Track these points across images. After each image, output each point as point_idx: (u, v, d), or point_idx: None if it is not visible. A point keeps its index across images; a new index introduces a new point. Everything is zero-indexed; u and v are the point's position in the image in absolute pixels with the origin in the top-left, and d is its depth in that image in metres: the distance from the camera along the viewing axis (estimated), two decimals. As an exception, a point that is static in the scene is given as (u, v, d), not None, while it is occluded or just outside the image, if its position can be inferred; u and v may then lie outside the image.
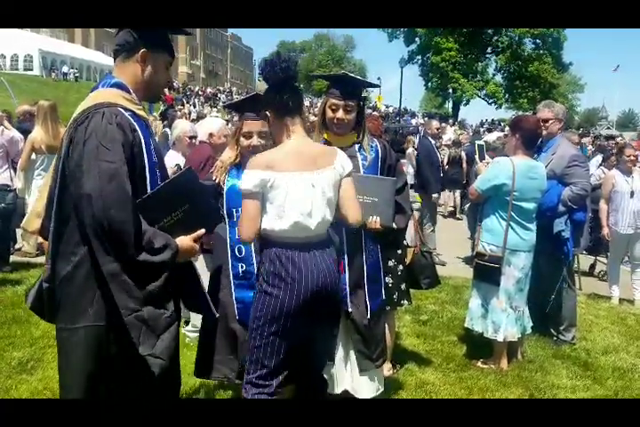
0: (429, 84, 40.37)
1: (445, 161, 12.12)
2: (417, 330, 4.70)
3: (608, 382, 3.83)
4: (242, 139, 2.73)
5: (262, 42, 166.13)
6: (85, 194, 1.88)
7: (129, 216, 1.89)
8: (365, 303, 2.87)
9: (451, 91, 39.09)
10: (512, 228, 3.80)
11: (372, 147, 2.97)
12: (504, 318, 3.84)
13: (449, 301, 5.60)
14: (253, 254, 2.65)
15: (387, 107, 38.51)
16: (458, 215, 12.15)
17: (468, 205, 7.39)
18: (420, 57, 40.71)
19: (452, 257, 7.65)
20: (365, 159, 2.92)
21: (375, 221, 2.78)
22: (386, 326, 3.58)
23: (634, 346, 4.62)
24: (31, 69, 37.29)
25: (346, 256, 2.83)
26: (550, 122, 4.42)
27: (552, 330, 4.50)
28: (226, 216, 2.70)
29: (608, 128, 37.81)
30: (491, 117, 38.81)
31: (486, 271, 3.82)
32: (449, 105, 44.20)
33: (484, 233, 3.90)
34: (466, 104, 40.84)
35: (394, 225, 2.88)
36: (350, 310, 2.83)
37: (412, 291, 3.79)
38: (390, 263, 3.50)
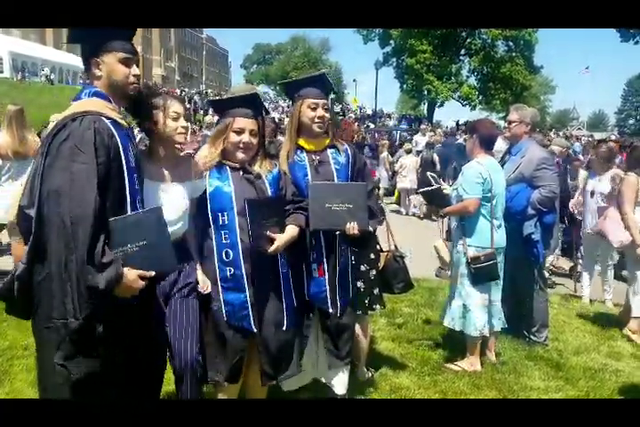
0: (404, 85, 40.58)
1: (419, 164, 12.23)
2: (392, 333, 4.71)
3: (580, 382, 3.88)
4: (232, 134, 2.69)
5: (238, 44, 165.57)
6: (53, 191, 1.96)
7: (90, 217, 1.94)
8: (336, 303, 2.96)
9: (425, 92, 39.32)
10: (494, 226, 3.90)
11: (344, 151, 3.01)
12: (487, 313, 3.94)
13: (424, 303, 5.62)
14: (241, 258, 2.64)
15: (361, 109, 38.64)
16: (433, 217, 12.23)
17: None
18: (394, 59, 40.94)
19: (424, 259, 7.66)
20: (338, 163, 2.95)
21: (353, 227, 2.81)
22: (359, 330, 3.62)
23: (605, 346, 4.69)
24: (1, 72, 36.59)
25: (325, 260, 2.93)
26: (514, 124, 4.49)
27: (525, 331, 4.55)
28: (211, 221, 2.68)
29: (579, 129, 38.55)
30: (465, 119, 39.22)
31: (486, 271, 3.86)
32: (424, 106, 44.51)
33: (468, 239, 3.93)
34: (440, 106, 41.19)
35: (370, 228, 2.94)
36: (331, 310, 2.95)
37: (387, 294, 3.80)
38: (363, 268, 3.52)
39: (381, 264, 3.68)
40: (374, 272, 3.59)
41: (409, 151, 13.04)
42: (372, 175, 4.80)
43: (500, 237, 3.96)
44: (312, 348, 3.13)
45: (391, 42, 40.02)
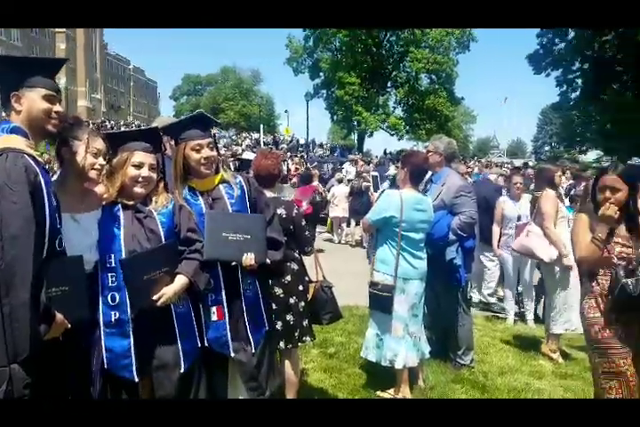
0: (335, 116, 41.62)
1: (349, 193, 12.46)
2: (324, 364, 4.68)
3: (505, 403, 3.98)
4: (130, 169, 2.60)
5: (166, 75, 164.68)
6: None
7: (29, 257, 1.94)
8: (248, 339, 2.84)
9: (355, 123, 40.45)
10: (403, 257, 3.95)
11: (237, 183, 2.95)
12: (402, 344, 3.93)
13: (356, 331, 5.63)
14: (128, 302, 2.52)
15: (291, 140, 39.07)
16: (364, 244, 12.41)
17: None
18: (324, 91, 42.01)
19: (358, 287, 7.74)
20: (232, 197, 2.91)
21: (251, 258, 2.76)
22: (289, 365, 3.58)
23: (527, 365, 4.85)
24: None
25: (225, 302, 2.80)
26: (430, 154, 4.69)
27: (451, 354, 4.65)
28: (99, 262, 2.55)
29: (500, 156, 40.56)
30: (394, 148, 40.48)
31: (379, 300, 3.91)
32: (354, 136, 45.69)
33: (377, 263, 4.02)
34: (370, 136, 42.43)
35: (268, 261, 2.88)
36: (233, 355, 2.80)
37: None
38: (292, 301, 3.50)
39: (310, 295, 3.69)
40: (303, 304, 3.58)
41: (340, 180, 13.28)
42: (299, 205, 4.83)
43: (414, 269, 3.98)
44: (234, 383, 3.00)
45: (321, 74, 41.10)
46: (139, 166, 2.62)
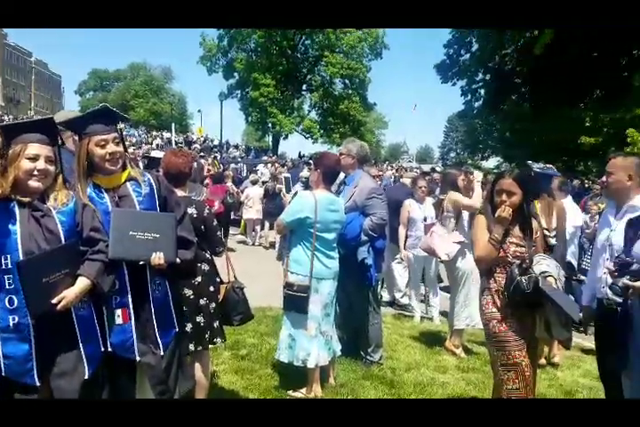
0: (249, 118, 41.37)
1: (263, 194, 12.44)
2: (235, 366, 4.63)
3: (411, 397, 4.12)
4: (25, 162, 2.42)
5: (71, 69, 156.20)
6: None
7: None
8: (157, 341, 2.75)
9: (270, 125, 40.42)
10: (317, 257, 3.99)
11: (145, 181, 2.84)
12: (314, 344, 3.97)
13: (269, 332, 5.62)
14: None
15: (204, 140, 38.38)
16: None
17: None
18: (239, 91, 41.65)
19: (271, 288, 7.74)
20: (140, 195, 2.81)
21: (159, 258, 2.68)
22: (199, 367, 3.51)
23: (432, 360, 5.07)
24: None
25: (130, 304, 2.69)
26: (343, 156, 4.79)
27: (361, 352, 4.76)
28: None
29: (409, 161, 42.05)
30: (308, 151, 40.82)
31: (295, 301, 3.94)
32: (269, 138, 45.63)
33: (291, 264, 4.03)
34: (285, 138, 42.57)
35: (177, 260, 2.81)
36: (139, 358, 2.70)
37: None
38: (202, 302, 3.44)
39: (221, 296, 3.64)
40: (214, 305, 3.52)
41: (255, 182, 13.21)
42: (211, 205, 4.75)
43: (327, 269, 4.04)
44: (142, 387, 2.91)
45: (235, 74, 40.69)
46: (34, 159, 2.44)
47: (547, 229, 4.83)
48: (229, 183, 14.31)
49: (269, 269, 8.40)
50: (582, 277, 5.79)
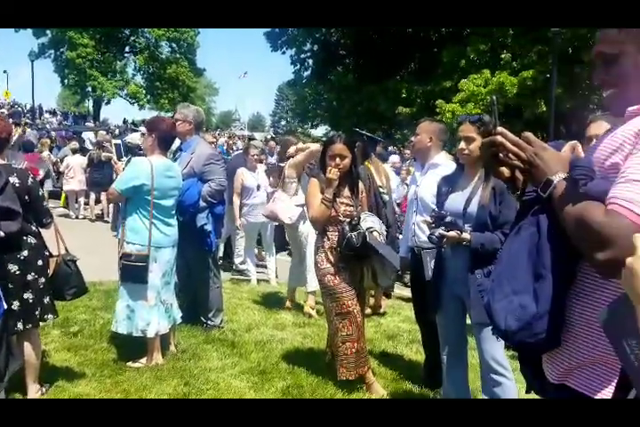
0: (66, 80, 37.74)
1: (87, 164, 11.63)
2: (67, 343, 4.41)
3: (252, 355, 4.30)
4: None
5: None
6: None
7: None
8: None
9: (90, 89, 37.35)
10: (155, 225, 3.92)
11: None
12: (154, 313, 3.94)
13: (101, 307, 5.41)
14: None
15: (12, 104, 34.30)
16: (106, 218, 11.78)
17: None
18: (52, 51, 37.65)
19: (101, 262, 7.39)
20: None
21: None
22: (28, 346, 3.31)
23: (271, 319, 5.31)
24: None
25: None
26: (179, 123, 4.69)
27: (202, 317, 4.82)
28: None
29: (241, 129, 41.95)
30: (134, 117, 38.64)
31: (133, 271, 3.84)
32: (89, 103, 42.31)
33: (128, 233, 3.91)
34: (107, 103, 39.73)
35: (1, 233, 2.62)
36: None
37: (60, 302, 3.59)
38: (30, 277, 3.23)
39: (51, 270, 3.44)
40: (43, 280, 3.33)
41: (75, 151, 12.23)
42: (35, 174, 4.38)
43: (166, 237, 3.99)
44: None
45: (47, 32, 36.62)
46: None
47: (381, 187, 5.24)
48: (46, 152, 13.14)
49: (97, 242, 8.03)
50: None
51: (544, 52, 17.87)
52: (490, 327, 2.77)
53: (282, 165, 5.83)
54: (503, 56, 18.60)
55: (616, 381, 1.29)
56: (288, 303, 5.72)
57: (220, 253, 7.17)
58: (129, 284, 3.92)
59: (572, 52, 17.04)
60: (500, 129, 1.49)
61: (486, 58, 19.68)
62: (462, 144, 3.02)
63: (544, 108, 17.85)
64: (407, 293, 5.97)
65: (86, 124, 24.03)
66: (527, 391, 1.76)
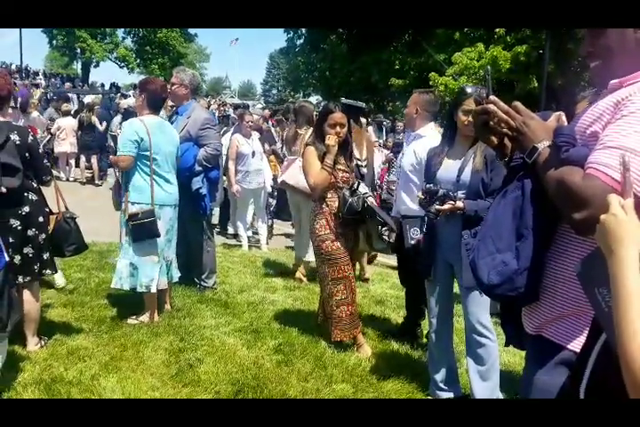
0: (54, 41, 36.86)
1: (77, 126, 11.55)
2: (64, 300, 4.52)
3: (244, 315, 4.45)
4: None
5: None
6: None
7: None
8: None
9: (79, 51, 36.56)
10: (157, 183, 4.01)
11: None
12: (157, 270, 4.06)
13: (95, 267, 5.52)
14: None
15: (4, 64, 33.48)
16: (97, 181, 11.77)
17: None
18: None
19: (94, 223, 7.45)
20: None
21: None
22: (30, 297, 3.42)
23: (262, 283, 5.45)
24: None
25: None
26: (175, 86, 4.71)
27: (196, 279, 4.94)
28: None
29: (232, 97, 41.36)
30: (123, 82, 37.98)
31: (144, 228, 3.91)
32: (77, 66, 41.45)
33: (132, 194, 3.98)
34: (96, 66, 38.98)
35: (3, 189, 2.68)
36: None
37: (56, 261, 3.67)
38: (30, 233, 3.31)
39: (51, 227, 3.52)
40: (44, 236, 3.41)
41: (67, 113, 12.11)
42: (35, 132, 4.39)
43: (167, 195, 4.10)
44: None
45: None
46: None
47: (358, 160, 5.17)
48: (35, 113, 12.98)
49: (88, 204, 8.05)
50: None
51: (538, 28, 17.77)
52: (477, 292, 2.95)
53: (300, 131, 5.61)
54: (497, 30, 18.45)
55: (587, 331, 1.41)
56: (299, 274, 5.65)
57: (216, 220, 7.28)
58: (136, 243, 3.98)
59: (565, 29, 16.94)
60: (492, 98, 1.59)
61: (480, 31, 19.52)
62: (471, 117, 2.94)
63: (536, 84, 17.85)
64: (394, 262, 6.14)
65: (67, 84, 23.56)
66: (506, 345, 1.92)
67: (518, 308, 1.70)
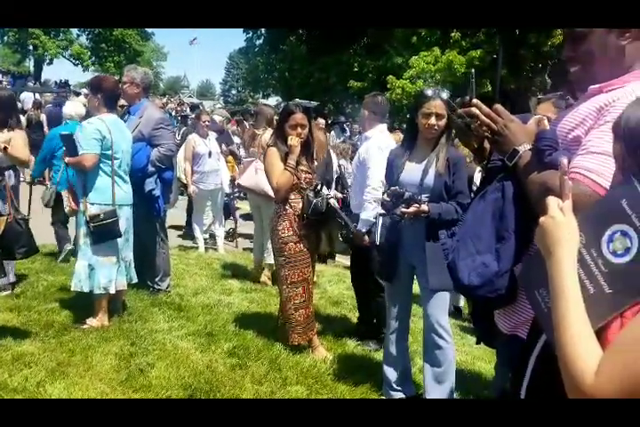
0: (5, 38, 35.59)
1: (25, 124, 11.18)
2: (9, 304, 4.35)
3: (199, 318, 4.38)
4: None
5: None
6: None
7: None
8: None
9: (31, 48, 35.41)
10: (116, 183, 3.94)
11: None
12: (115, 271, 3.98)
13: (44, 270, 5.35)
14: None
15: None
16: (47, 182, 11.40)
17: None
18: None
19: (41, 226, 7.21)
20: None
21: None
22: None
23: (218, 285, 5.38)
24: None
25: None
26: (126, 85, 4.61)
27: (149, 281, 4.83)
28: None
29: (190, 96, 40.77)
30: (78, 80, 37.03)
31: (106, 229, 3.82)
32: (30, 63, 40.16)
33: (91, 195, 3.89)
34: (50, 63, 37.80)
35: None
36: None
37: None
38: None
39: (1, 229, 3.39)
40: (-7, 239, 3.29)
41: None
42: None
43: (125, 194, 4.04)
44: None
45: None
46: None
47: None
48: None
49: (36, 206, 7.77)
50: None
51: (492, 33, 18.19)
52: (439, 293, 3.00)
53: (258, 132, 5.63)
54: (453, 35, 18.79)
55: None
56: (265, 278, 5.59)
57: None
58: (93, 246, 3.89)
59: (518, 34, 17.39)
60: (475, 101, 1.61)
61: (437, 35, 19.84)
62: (432, 120, 3.00)
63: (489, 88, 18.25)
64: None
65: (29, 84, 22.82)
66: (477, 343, 1.95)
67: (494, 308, 1.71)
